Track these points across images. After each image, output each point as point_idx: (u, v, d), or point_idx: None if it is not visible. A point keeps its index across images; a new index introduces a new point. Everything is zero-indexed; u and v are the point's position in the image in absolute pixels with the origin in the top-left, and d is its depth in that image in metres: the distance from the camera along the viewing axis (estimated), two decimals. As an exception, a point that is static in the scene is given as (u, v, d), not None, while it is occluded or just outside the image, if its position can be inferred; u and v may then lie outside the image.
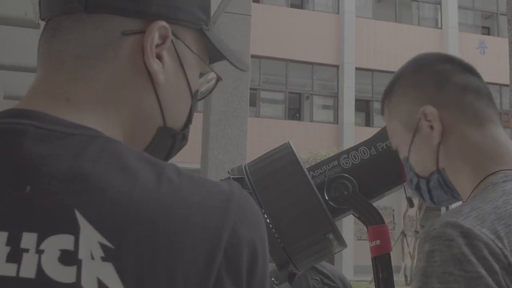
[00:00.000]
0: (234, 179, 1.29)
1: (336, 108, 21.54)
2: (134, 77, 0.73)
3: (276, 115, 21.11)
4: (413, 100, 1.18)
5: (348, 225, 18.97)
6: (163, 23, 0.74)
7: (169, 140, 0.80)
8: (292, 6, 21.83)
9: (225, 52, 0.83)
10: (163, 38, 0.74)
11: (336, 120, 21.37)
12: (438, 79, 1.17)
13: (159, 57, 0.74)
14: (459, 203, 1.12)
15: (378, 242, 1.26)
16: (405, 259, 16.99)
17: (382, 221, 1.27)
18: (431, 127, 1.14)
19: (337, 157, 1.34)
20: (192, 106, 0.82)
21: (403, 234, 17.14)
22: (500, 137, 1.13)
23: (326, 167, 1.33)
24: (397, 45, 21.90)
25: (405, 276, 16.70)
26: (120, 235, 0.58)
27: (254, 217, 0.66)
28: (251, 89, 7.66)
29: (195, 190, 0.64)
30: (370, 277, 12.47)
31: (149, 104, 0.75)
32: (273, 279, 1.30)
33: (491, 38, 23.06)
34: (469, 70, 1.20)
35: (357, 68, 21.37)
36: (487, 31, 24.63)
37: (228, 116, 5.91)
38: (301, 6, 22.26)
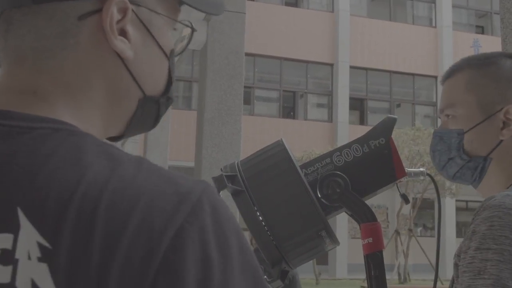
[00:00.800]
0: (227, 176, 1.29)
1: (330, 107, 21.58)
2: (101, 58, 0.71)
3: (270, 113, 21.13)
4: (502, 92, 1.26)
5: (342, 223, 19.02)
6: None
7: (154, 107, 0.78)
8: (287, 4, 21.85)
9: (192, 2, 0.78)
10: (123, 11, 0.70)
11: (331, 118, 21.41)
12: None
13: (123, 32, 0.71)
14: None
15: (370, 239, 1.26)
16: (398, 257, 17.05)
17: (375, 219, 1.27)
18: (504, 123, 1.24)
19: (329, 154, 1.33)
20: (170, 67, 0.79)
21: (397, 232, 17.19)
22: None
23: (318, 165, 1.33)
24: (392, 44, 21.95)
25: (399, 274, 16.75)
26: (58, 235, 0.56)
27: (216, 220, 0.60)
28: (245, 87, 7.66)
29: (146, 189, 0.60)
30: (364, 275, 12.48)
31: (123, 81, 0.73)
32: (265, 276, 1.30)
33: (485, 37, 23.14)
34: None
35: (351, 67, 21.42)
36: (481, 30, 24.72)
37: (222, 114, 5.92)
38: (295, 4, 22.28)
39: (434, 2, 23.34)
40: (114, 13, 0.69)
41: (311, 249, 1.28)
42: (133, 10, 0.72)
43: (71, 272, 0.55)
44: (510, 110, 1.23)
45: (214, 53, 5.96)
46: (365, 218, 1.26)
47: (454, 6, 23.33)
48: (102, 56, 0.71)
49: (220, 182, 1.26)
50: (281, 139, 1.35)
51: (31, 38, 0.69)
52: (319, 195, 1.27)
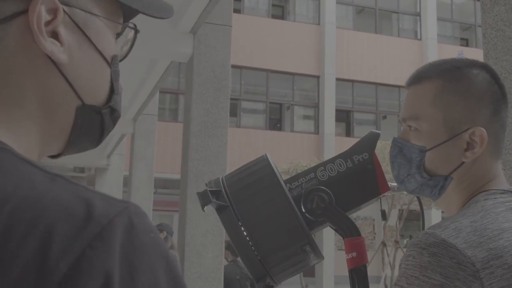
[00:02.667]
0: (211, 191, 1.29)
1: (316, 119, 21.63)
2: (32, 63, 0.65)
3: (257, 125, 21.14)
4: (470, 112, 1.20)
5: (329, 235, 19.01)
6: None
7: (96, 118, 0.72)
8: (273, 16, 21.93)
9: (135, 3, 0.73)
10: (54, 12, 0.65)
11: (317, 130, 21.45)
12: (494, 107, 1.22)
13: (55, 34, 0.66)
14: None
15: (354, 254, 1.26)
16: (385, 269, 17.05)
17: (358, 234, 1.27)
18: (468, 144, 1.19)
19: (314, 169, 1.34)
20: (112, 74, 0.73)
21: (383, 244, 17.21)
22: (500, 170, 1.24)
23: (303, 180, 1.33)
24: (377, 56, 22.08)
25: (385, 286, 16.75)
26: None
27: (128, 244, 0.53)
28: (232, 99, 7.67)
29: (49, 211, 0.53)
30: (350, 287, 12.47)
31: (57, 87, 0.67)
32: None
33: (469, 50, 23.34)
34: (507, 104, 1.27)
35: (337, 79, 21.50)
36: (465, 42, 24.96)
37: (208, 127, 5.92)
38: (282, 16, 22.38)
39: (419, 15, 23.54)
40: (41, 12, 0.64)
41: (295, 264, 1.28)
42: (65, 11, 0.67)
43: None
44: (476, 132, 1.18)
45: (200, 65, 5.97)
46: (349, 232, 1.26)
47: (439, 19, 23.54)
48: (33, 61, 0.65)
49: (204, 198, 1.26)
50: (265, 154, 1.35)
51: None
52: (303, 210, 1.28)
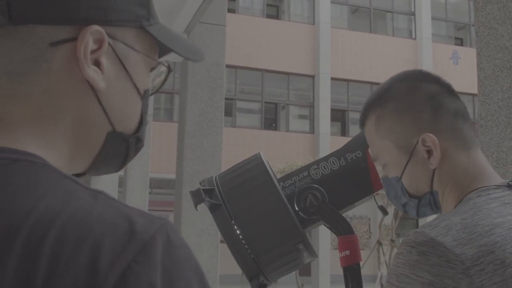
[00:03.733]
0: (204, 190, 1.29)
1: (312, 118, 21.64)
2: (73, 87, 0.70)
3: (252, 125, 21.14)
4: (410, 124, 1.22)
5: (325, 234, 19.02)
6: (96, 27, 0.69)
7: (122, 145, 0.77)
8: (268, 16, 21.94)
9: (171, 44, 0.79)
10: (99, 42, 0.70)
11: (312, 130, 21.46)
12: (432, 104, 1.22)
13: (97, 62, 0.71)
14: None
15: (347, 252, 1.26)
16: (381, 268, 17.07)
17: (351, 232, 1.27)
18: (427, 152, 1.20)
19: (307, 167, 1.34)
20: (143, 106, 0.79)
21: (379, 243, 17.23)
22: (481, 160, 1.22)
23: (296, 178, 1.33)
24: (372, 56, 22.11)
25: (381, 285, 16.76)
26: (1, 269, 0.54)
27: (169, 259, 0.58)
28: (227, 99, 7.67)
29: (96, 226, 0.57)
30: (346, 286, 12.46)
31: (93, 112, 0.72)
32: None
33: (464, 49, 23.40)
34: (452, 91, 1.26)
35: (332, 78, 21.51)
36: (460, 41, 25.00)
37: (203, 127, 5.91)
38: (276, 16, 22.38)
39: (414, 15, 23.58)
40: (89, 42, 0.69)
41: (289, 262, 1.28)
42: (109, 43, 0.72)
43: None
44: (425, 138, 1.19)
45: (194, 65, 5.96)
46: (342, 231, 1.26)
47: (433, 18, 23.58)
48: (74, 85, 0.70)
49: (197, 196, 1.26)
50: (259, 152, 1.35)
51: (5, 60, 0.68)
52: (297, 208, 1.28)
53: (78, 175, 0.78)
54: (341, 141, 1.38)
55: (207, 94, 5.96)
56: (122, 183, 10.95)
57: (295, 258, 1.28)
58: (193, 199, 1.28)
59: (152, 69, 0.81)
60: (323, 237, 18.92)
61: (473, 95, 20.74)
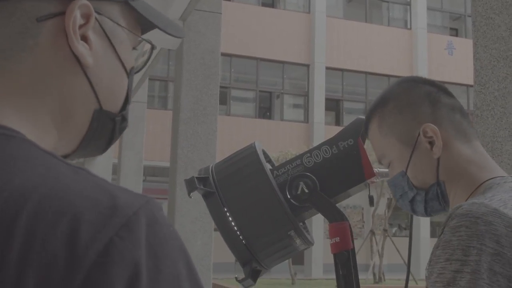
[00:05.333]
0: (199, 178, 1.31)
1: (306, 107, 21.66)
2: (60, 63, 0.68)
3: (246, 114, 21.15)
4: (410, 118, 1.28)
5: (318, 223, 19.10)
6: (83, 1, 0.68)
7: (109, 123, 0.76)
8: (263, 4, 21.88)
9: (155, 20, 0.78)
10: (86, 17, 0.69)
11: (307, 119, 21.49)
12: (430, 99, 1.28)
13: (84, 38, 0.69)
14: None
15: (337, 239, 1.28)
16: (373, 257, 17.17)
17: (342, 219, 1.29)
18: (430, 143, 1.24)
19: (300, 156, 1.36)
20: (129, 85, 0.78)
21: (372, 232, 17.32)
22: (484, 152, 1.27)
23: (289, 166, 1.35)
24: (367, 45, 22.10)
25: (374, 274, 16.87)
26: None
27: (153, 236, 0.55)
28: (221, 87, 7.66)
29: (76, 201, 0.55)
30: (339, 275, 12.52)
31: (80, 89, 0.70)
32: (236, 276, 1.32)
33: (459, 40, 23.42)
34: (448, 92, 1.32)
35: (327, 68, 21.52)
36: (455, 32, 25.01)
37: (197, 114, 5.91)
38: (272, 5, 22.32)
39: (409, 5, 23.56)
40: (77, 16, 0.68)
41: (281, 249, 1.30)
42: (96, 18, 0.70)
43: None
44: (426, 129, 1.24)
45: (189, 53, 5.95)
46: (333, 218, 1.28)
47: (429, 9, 23.57)
48: (61, 61, 0.68)
49: (190, 184, 1.28)
50: (254, 142, 1.37)
51: None
52: (289, 196, 1.29)
53: (65, 157, 0.76)
54: (335, 131, 1.40)
55: (202, 82, 5.95)
56: (116, 170, 10.95)
57: (288, 245, 1.30)
58: (186, 187, 1.29)
59: (134, 48, 0.80)
60: (317, 226, 19.00)
61: (467, 85, 20.79)
